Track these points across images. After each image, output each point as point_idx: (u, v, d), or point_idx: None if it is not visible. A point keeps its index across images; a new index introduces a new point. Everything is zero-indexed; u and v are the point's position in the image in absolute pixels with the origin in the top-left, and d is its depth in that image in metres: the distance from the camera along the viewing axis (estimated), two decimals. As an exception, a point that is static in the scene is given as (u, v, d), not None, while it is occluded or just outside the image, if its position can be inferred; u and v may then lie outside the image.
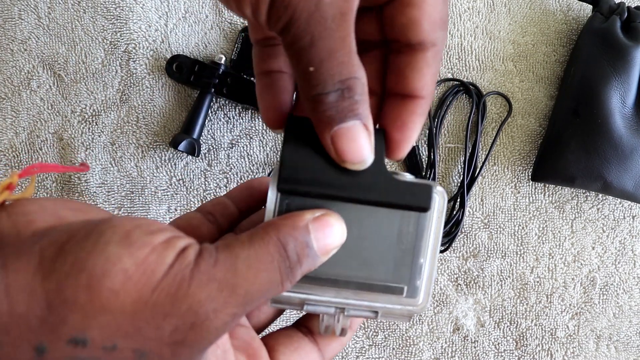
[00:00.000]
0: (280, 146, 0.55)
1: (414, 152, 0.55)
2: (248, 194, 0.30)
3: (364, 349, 0.57)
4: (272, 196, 0.25)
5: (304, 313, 0.30)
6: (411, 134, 0.27)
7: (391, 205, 0.25)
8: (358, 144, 0.24)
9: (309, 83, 0.24)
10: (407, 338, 0.57)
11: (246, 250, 0.23)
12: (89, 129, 0.55)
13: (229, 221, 0.30)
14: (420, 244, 0.26)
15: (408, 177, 0.25)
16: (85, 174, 0.55)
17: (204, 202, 0.32)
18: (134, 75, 0.55)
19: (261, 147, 0.55)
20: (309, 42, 0.23)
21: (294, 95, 0.30)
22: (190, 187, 0.55)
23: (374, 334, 0.56)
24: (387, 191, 0.25)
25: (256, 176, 0.56)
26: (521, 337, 0.57)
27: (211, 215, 0.29)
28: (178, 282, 0.21)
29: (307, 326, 0.31)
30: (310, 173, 0.24)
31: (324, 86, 0.24)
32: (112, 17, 0.54)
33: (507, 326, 0.57)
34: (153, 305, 0.21)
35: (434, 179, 0.55)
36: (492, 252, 0.57)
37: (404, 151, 0.27)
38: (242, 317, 0.30)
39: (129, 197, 0.55)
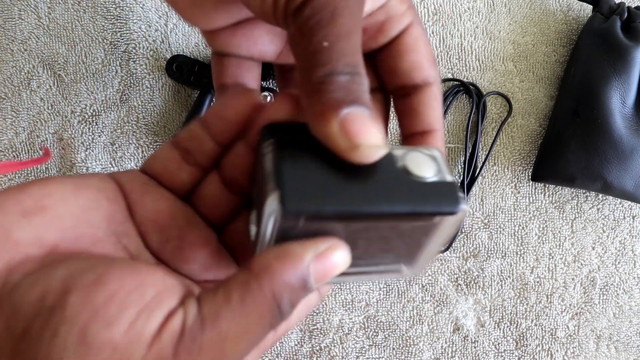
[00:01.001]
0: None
1: (414, 152, 0.55)
2: (225, 124, 0.26)
3: (364, 349, 0.57)
4: (270, 223, 0.21)
5: None
6: None
7: (415, 215, 0.21)
8: (370, 129, 0.21)
9: (319, 61, 0.21)
10: (407, 338, 0.57)
11: (236, 321, 0.21)
12: (89, 129, 0.55)
13: (209, 159, 0.27)
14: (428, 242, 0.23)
15: (425, 170, 0.22)
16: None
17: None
18: (134, 75, 0.55)
19: (261, 147, 0.55)
20: (330, 16, 0.21)
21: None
22: (190, 187, 0.55)
23: (374, 334, 0.57)
24: (409, 199, 0.21)
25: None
26: (521, 337, 0.57)
27: (189, 154, 0.26)
28: (164, 355, 0.19)
29: None
30: (319, 188, 0.20)
31: (335, 65, 0.21)
32: (112, 17, 0.54)
33: (507, 326, 0.57)
34: None
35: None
36: (492, 252, 0.57)
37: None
38: None
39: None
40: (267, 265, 0.21)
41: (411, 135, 0.29)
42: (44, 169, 0.54)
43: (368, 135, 0.21)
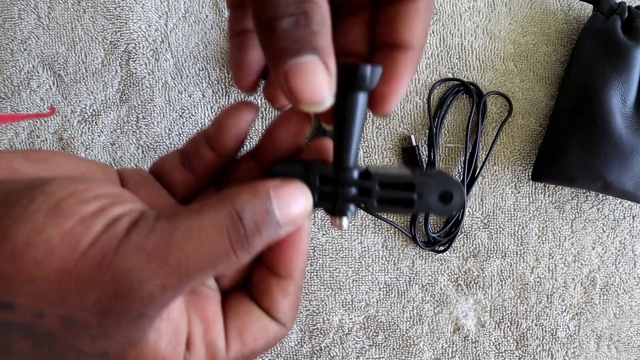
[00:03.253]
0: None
1: (414, 152, 0.55)
2: (224, 138, 0.26)
3: (364, 349, 0.56)
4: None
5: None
6: (400, 87, 0.25)
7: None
8: (315, 82, 0.21)
9: (261, 5, 0.21)
10: (408, 338, 0.57)
11: (190, 220, 0.21)
12: (89, 129, 0.55)
13: (206, 167, 0.27)
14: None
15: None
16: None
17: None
18: (134, 75, 0.55)
19: (261, 147, 0.55)
20: None
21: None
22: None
23: (374, 334, 0.56)
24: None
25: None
26: (522, 338, 0.57)
27: (187, 158, 0.27)
28: (103, 253, 0.20)
29: (254, 290, 0.28)
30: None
31: (277, 9, 0.21)
32: (112, 16, 0.54)
33: (508, 326, 0.57)
34: (77, 276, 0.20)
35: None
36: (492, 252, 0.57)
37: (391, 106, 0.26)
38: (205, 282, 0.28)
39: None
40: (229, 190, 0.22)
41: (382, 47, 0.27)
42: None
43: (310, 92, 0.21)
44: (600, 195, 0.57)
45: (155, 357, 0.23)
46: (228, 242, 0.22)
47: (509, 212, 0.57)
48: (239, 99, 0.55)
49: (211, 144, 0.26)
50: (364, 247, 0.56)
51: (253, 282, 0.28)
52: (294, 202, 0.23)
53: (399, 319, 0.57)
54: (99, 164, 0.26)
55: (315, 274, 0.56)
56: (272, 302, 0.27)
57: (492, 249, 0.57)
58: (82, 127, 0.55)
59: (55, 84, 0.54)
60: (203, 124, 0.55)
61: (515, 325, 0.57)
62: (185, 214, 0.22)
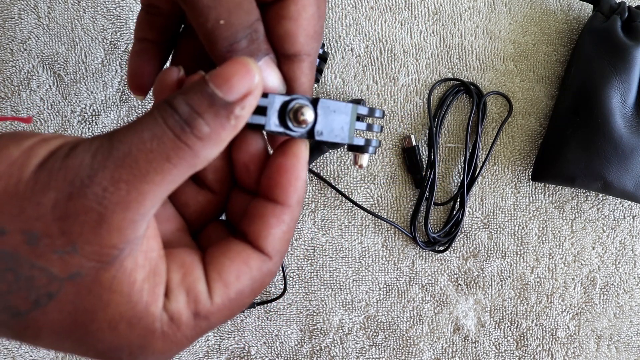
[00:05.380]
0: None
1: (414, 152, 0.55)
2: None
3: (364, 349, 0.56)
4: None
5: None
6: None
7: None
8: (273, 77, 0.26)
9: (221, 36, 0.25)
10: (408, 338, 0.57)
11: (125, 127, 0.22)
12: (89, 129, 0.55)
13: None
14: None
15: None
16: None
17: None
18: (134, 75, 0.55)
19: (261, 147, 0.55)
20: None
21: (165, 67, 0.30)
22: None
23: (374, 334, 0.56)
24: None
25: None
26: (522, 338, 0.57)
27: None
28: (56, 158, 0.22)
29: (237, 224, 0.28)
30: None
31: (236, 35, 0.25)
32: (112, 16, 0.54)
33: (508, 326, 0.57)
34: (33, 183, 0.21)
35: (434, 179, 0.54)
36: (492, 252, 0.57)
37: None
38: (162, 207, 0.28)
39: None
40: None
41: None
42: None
43: (273, 84, 0.26)
44: (600, 195, 0.57)
45: (131, 288, 0.23)
46: (166, 128, 0.22)
47: (509, 212, 0.57)
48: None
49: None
50: (364, 247, 0.56)
51: (246, 212, 0.27)
52: (237, 76, 0.22)
53: (399, 319, 0.57)
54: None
55: (315, 274, 0.56)
56: (263, 228, 0.26)
57: (492, 249, 0.57)
58: (82, 127, 0.55)
59: (55, 84, 0.54)
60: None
61: (515, 325, 0.57)
62: (124, 125, 0.22)
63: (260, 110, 0.24)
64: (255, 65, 0.23)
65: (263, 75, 0.25)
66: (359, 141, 0.26)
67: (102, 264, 0.22)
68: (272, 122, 0.24)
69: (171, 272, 0.25)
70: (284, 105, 0.25)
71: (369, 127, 0.27)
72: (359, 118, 0.27)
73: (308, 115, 0.25)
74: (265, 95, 0.24)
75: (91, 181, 0.21)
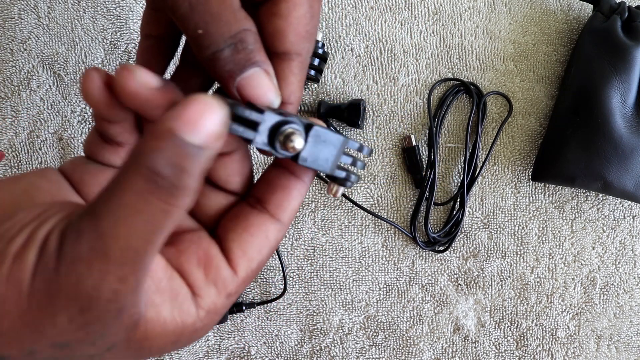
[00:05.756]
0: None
1: (414, 151, 0.55)
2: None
3: (364, 349, 0.56)
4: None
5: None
6: (291, 98, 0.28)
7: None
8: (262, 89, 0.26)
9: (202, 45, 0.25)
10: (408, 338, 0.57)
11: (110, 204, 0.21)
12: (88, 129, 0.55)
13: (124, 135, 0.28)
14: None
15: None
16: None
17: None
18: (134, 75, 0.55)
19: (261, 147, 0.55)
20: (188, 8, 0.24)
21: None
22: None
23: (374, 334, 0.56)
24: None
25: (256, 176, 0.56)
26: (522, 338, 0.57)
27: (101, 134, 0.27)
28: (47, 279, 0.20)
29: (254, 196, 0.28)
30: None
31: (217, 44, 0.24)
32: (112, 16, 0.54)
33: (508, 326, 0.57)
34: (37, 311, 0.21)
35: (434, 179, 0.54)
36: (492, 252, 0.57)
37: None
38: (187, 215, 0.27)
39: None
40: (133, 150, 0.21)
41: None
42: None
43: (260, 98, 0.25)
44: (600, 195, 0.57)
45: (165, 328, 0.23)
46: (157, 202, 0.21)
47: (509, 212, 0.57)
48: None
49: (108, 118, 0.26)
50: (364, 247, 0.56)
51: (269, 183, 0.28)
52: (201, 118, 0.21)
53: (399, 319, 0.57)
54: (38, 172, 0.26)
55: (315, 274, 0.56)
56: (285, 199, 0.27)
57: (492, 249, 0.57)
58: (82, 127, 0.55)
59: (55, 84, 0.54)
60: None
61: (515, 325, 0.57)
62: (101, 202, 0.21)
63: (252, 125, 0.24)
64: (210, 99, 0.21)
65: (251, 86, 0.25)
66: (340, 174, 0.26)
67: (130, 329, 0.23)
68: (261, 140, 0.24)
69: (191, 274, 0.25)
70: (277, 126, 0.24)
71: (354, 163, 0.27)
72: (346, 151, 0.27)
73: (297, 143, 0.24)
74: (261, 110, 0.24)
75: (98, 291, 0.21)
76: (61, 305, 0.20)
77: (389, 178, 0.56)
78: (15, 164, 0.54)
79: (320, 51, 0.52)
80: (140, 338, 0.23)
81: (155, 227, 0.21)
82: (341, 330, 0.56)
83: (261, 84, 0.26)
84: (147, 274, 0.22)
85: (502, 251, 0.57)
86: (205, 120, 0.21)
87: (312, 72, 0.52)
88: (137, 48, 0.28)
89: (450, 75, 0.56)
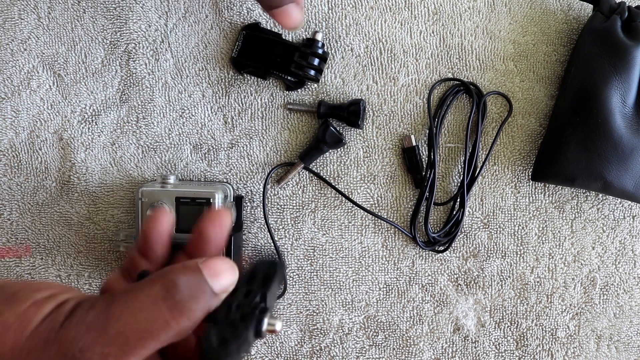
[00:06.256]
0: (279, 146, 0.55)
1: (414, 152, 0.55)
2: (151, 245, 0.31)
3: (364, 349, 0.56)
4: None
5: None
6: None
7: None
8: (293, 18, 0.44)
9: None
10: (408, 338, 0.57)
11: (127, 294, 0.24)
12: (88, 129, 0.55)
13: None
14: None
15: None
16: (85, 174, 0.55)
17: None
18: (134, 75, 0.54)
19: (261, 147, 0.55)
20: None
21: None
22: (190, 187, 0.55)
23: (374, 334, 0.56)
24: None
25: (256, 176, 0.56)
26: (522, 337, 0.57)
27: (127, 273, 0.31)
28: (50, 328, 0.23)
29: None
30: None
31: None
32: (112, 16, 0.54)
33: (508, 326, 0.57)
34: (27, 351, 0.23)
35: (434, 179, 0.54)
36: (492, 252, 0.57)
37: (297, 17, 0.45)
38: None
39: (128, 197, 0.55)
40: (163, 269, 0.26)
41: None
42: (43, 168, 0.54)
43: (290, 23, 0.45)
44: (600, 195, 0.57)
45: None
46: (164, 310, 0.24)
47: (509, 212, 0.57)
48: (239, 99, 0.55)
49: (143, 255, 0.30)
50: (364, 247, 0.56)
51: None
52: (223, 272, 0.26)
53: (399, 319, 0.57)
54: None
55: (315, 274, 0.56)
56: None
57: (492, 249, 0.57)
58: (82, 127, 0.55)
59: (55, 84, 0.54)
60: (203, 123, 0.55)
61: (515, 325, 0.57)
62: (124, 291, 0.25)
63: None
64: (233, 263, 0.27)
65: (284, 17, 0.44)
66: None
67: None
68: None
69: None
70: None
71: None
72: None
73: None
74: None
75: (82, 355, 0.23)
76: (48, 353, 0.23)
77: (389, 178, 0.56)
78: (15, 164, 0.54)
79: (320, 51, 0.52)
80: None
81: (151, 330, 0.24)
82: (341, 330, 0.56)
83: (292, 13, 0.44)
84: None
85: (502, 251, 0.57)
86: (227, 275, 0.26)
87: (312, 72, 0.52)
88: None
89: (450, 75, 0.56)
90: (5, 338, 0.23)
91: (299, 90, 0.55)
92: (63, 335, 0.23)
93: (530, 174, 0.56)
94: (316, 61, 0.52)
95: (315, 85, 0.55)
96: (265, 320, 0.28)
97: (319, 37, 0.53)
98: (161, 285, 0.25)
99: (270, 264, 0.30)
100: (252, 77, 0.55)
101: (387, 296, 0.56)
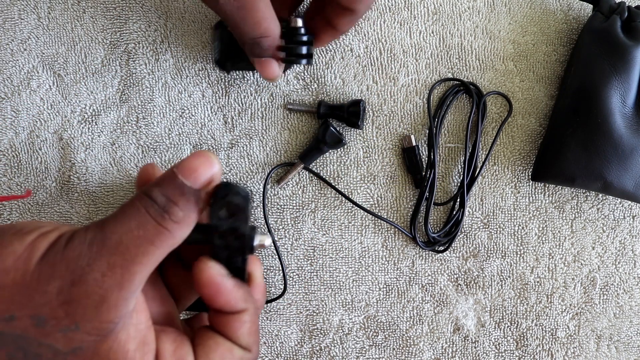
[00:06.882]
0: (279, 146, 0.55)
1: (414, 152, 0.55)
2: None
3: (364, 349, 0.56)
4: None
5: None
6: (332, 39, 0.48)
7: None
8: (270, 71, 0.44)
9: (238, 37, 0.42)
10: (408, 338, 0.57)
11: (115, 213, 0.27)
12: (88, 129, 0.55)
13: None
14: None
15: None
16: (85, 174, 0.55)
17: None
18: (134, 75, 0.55)
19: (261, 147, 0.55)
20: (229, 11, 0.37)
21: None
22: (190, 187, 0.55)
23: (374, 334, 0.56)
24: None
25: (256, 177, 0.56)
26: (522, 338, 0.57)
27: None
28: (57, 251, 0.26)
29: (216, 325, 0.33)
30: None
31: (244, 39, 0.41)
32: (112, 16, 0.54)
33: (508, 326, 0.57)
34: (38, 275, 0.25)
35: (434, 179, 0.54)
36: (492, 252, 0.57)
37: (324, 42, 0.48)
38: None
39: (128, 197, 0.55)
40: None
41: (332, 5, 0.44)
42: (43, 168, 0.54)
43: (267, 75, 0.45)
44: (600, 195, 0.57)
45: (125, 357, 0.27)
46: (148, 216, 0.26)
47: (509, 212, 0.57)
48: (239, 99, 0.55)
49: None
50: (364, 247, 0.56)
51: (213, 319, 0.33)
52: (199, 168, 0.28)
53: (399, 319, 0.57)
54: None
55: (315, 274, 0.56)
56: (232, 330, 0.32)
57: (492, 249, 0.57)
58: (82, 127, 0.55)
59: (55, 84, 0.54)
60: (203, 123, 0.55)
61: (515, 325, 0.57)
62: (110, 215, 0.27)
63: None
64: (213, 156, 0.29)
65: (262, 69, 0.44)
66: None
67: (100, 337, 0.26)
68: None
69: (162, 343, 0.30)
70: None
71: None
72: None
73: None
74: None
75: (91, 269, 0.25)
76: (58, 273, 0.25)
77: (389, 178, 0.56)
78: (15, 164, 0.54)
79: (304, 38, 0.47)
80: (103, 355, 0.26)
81: (145, 235, 0.26)
82: (341, 330, 0.56)
83: (271, 66, 0.44)
84: (135, 291, 0.27)
85: (502, 251, 0.57)
86: (203, 169, 0.28)
87: (304, 49, 0.47)
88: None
89: (450, 75, 0.56)
90: (17, 265, 0.25)
91: (298, 90, 0.55)
92: (68, 255, 0.25)
93: (530, 174, 0.56)
94: (304, 49, 0.47)
95: (315, 85, 0.55)
96: (257, 237, 0.32)
97: (299, 23, 0.47)
98: (140, 202, 0.27)
99: (243, 195, 0.32)
100: (252, 77, 0.55)
101: (387, 296, 0.56)
